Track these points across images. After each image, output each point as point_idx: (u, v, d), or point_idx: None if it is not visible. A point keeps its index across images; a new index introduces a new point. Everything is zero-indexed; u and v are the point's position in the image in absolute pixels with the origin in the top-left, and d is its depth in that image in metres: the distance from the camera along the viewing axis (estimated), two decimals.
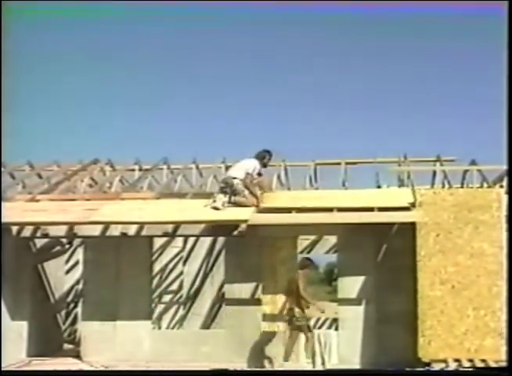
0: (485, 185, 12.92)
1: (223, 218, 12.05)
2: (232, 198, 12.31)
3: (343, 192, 13.46)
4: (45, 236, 13.53)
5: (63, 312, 16.08)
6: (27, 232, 13.29)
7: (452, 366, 10.87)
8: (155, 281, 15.50)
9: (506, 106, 11.59)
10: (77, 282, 16.42)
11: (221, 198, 12.25)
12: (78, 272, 15.96)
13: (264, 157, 12.80)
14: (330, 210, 11.90)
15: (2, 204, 12.70)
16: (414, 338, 11.35)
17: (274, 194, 12.88)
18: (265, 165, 12.86)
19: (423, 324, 11.27)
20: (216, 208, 12.14)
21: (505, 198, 11.59)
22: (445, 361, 11.08)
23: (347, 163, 14.63)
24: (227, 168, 14.42)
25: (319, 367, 11.82)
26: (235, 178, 12.41)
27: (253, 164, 12.56)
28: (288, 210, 12.15)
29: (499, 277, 11.25)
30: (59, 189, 14.31)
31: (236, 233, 12.63)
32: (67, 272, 16.37)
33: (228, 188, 12.35)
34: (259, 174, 12.77)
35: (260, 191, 12.60)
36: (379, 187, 14.06)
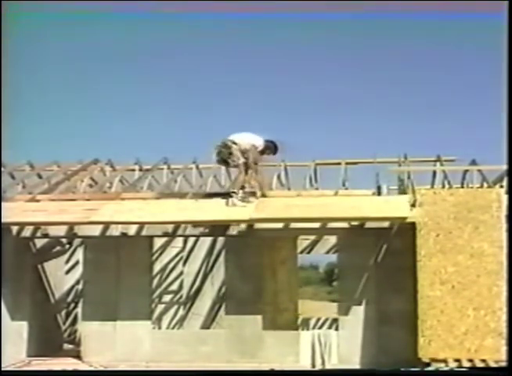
0: (485, 185, 12.90)
1: (223, 218, 12.04)
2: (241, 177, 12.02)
3: (339, 198, 12.79)
4: (45, 236, 13.55)
5: (63, 313, 16.08)
6: (27, 232, 13.32)
7: (452, 366, 10.87)
8: (155, 281, 15.49)
9: (506, 106, 11.59)
10: (77, 282, 16.39)
11: (238, 194, 12.02)
12: (78, 272, 15.93)
13: (268, 147, 12.48)
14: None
15: (2, 204, 12.69)
16: (414, 338, 11.36)
17: (268, 200, 12.61)
18: (262, 152, 12.55)
19: (423, 324, 11.26)
20: (234, 205, 11.91)
21: (505, 198, 11.58)
22: (445, 361, 11.07)
23: (347, 163, 14.58)
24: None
25: (318, 367, 11.82)
26: (235, 143, 12.18)
27: (259, 140, 12.26)
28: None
29: (499, 277, 11.24)
30: (59, 189, 14.28)
31: (236, 233, 12.63)
32: (67, 272, 16.35)
33: (225, 150, 12.05)
34: (262, 152, 12.45)
35: (259, 191, 12.46)
36: (379, 187, 14.00)
